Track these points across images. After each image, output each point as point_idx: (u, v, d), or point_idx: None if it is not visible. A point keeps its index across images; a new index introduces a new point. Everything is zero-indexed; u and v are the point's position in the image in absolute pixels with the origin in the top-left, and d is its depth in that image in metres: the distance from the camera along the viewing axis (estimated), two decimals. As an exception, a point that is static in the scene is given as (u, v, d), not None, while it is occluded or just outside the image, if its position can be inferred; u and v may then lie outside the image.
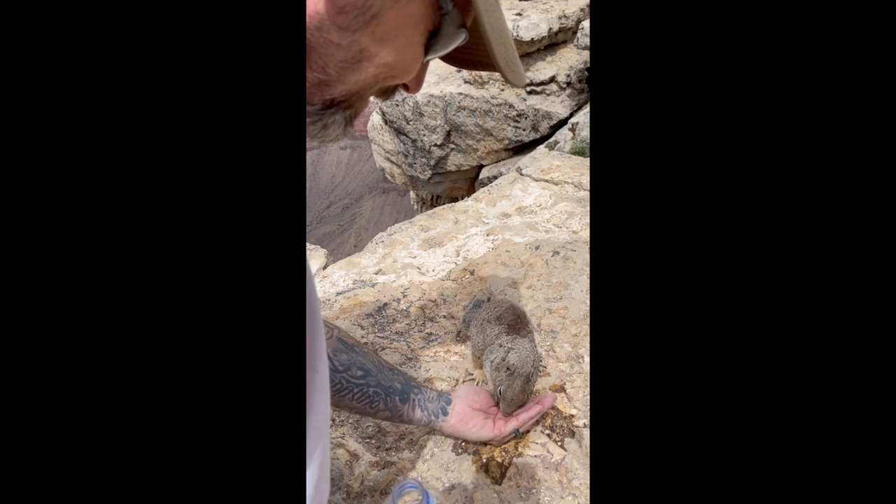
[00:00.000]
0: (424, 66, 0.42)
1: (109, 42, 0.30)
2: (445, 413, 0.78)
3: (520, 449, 0.85)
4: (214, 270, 0.32)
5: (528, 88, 5.78)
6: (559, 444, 0.86)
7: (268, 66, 0.32)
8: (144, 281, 0.31)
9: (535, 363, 0.82)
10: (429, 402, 0.78)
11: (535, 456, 0.84)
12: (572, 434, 0.88)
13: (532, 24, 5.39)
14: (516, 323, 0.87)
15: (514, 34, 5.35)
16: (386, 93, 0.43)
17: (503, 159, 6.26)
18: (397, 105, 6.58)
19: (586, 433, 0.88)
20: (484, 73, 5.87)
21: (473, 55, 0.44)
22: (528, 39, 5.40)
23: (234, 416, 0.32)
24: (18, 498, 0.28)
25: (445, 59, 0.47)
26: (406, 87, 0.43)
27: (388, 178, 8.19)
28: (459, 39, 0.39)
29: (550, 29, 5.45)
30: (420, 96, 6.27)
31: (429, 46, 0.39)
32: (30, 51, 0.29)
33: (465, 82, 6.11)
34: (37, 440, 0.29)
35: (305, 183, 0.36)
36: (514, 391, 0.77)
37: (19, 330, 0.28)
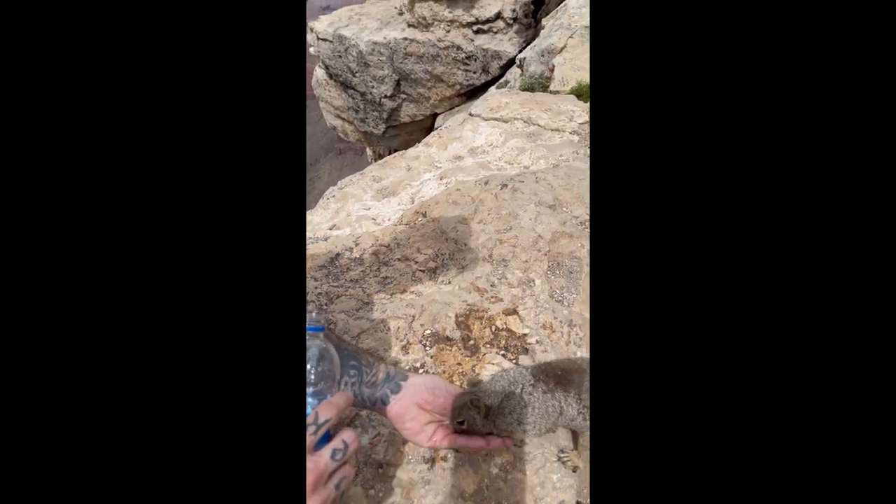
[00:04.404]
0: None
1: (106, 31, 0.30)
2: (386, 402, 0.68)
3: (476, 370, 0.88)
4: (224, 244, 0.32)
5: (475, 27, 5.57)
6: (514, 361, 0.90)
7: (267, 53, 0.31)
8: (145, 270, 0.31)
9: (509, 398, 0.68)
10: (367, 386, 0.67)
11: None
12: (525, 351, 0.92)
13: (472, -43, 5.12)
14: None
15: (454, -31, 5.07)
16: None
17: (457, 105, 6.11)
18: (340, 57, 6.24)
19: (539, 349, 0.93)
20: (427, 15, 5.60)
21: None
22: (470, -26, 5.14)
23: (231, 397, 0.32)
24: (18, 498, 0.28)
25: None
26: None
27: (342, 136, 7.90)
28: None
29: (491, -40, 5.20)
30: (363, 45, 5.95)
31: None
32: (29, 49, 0.28)
33: (409, 26, 5.83)
34: (36, 439, 0.29)
35: (305, 171, 0.36)
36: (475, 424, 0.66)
37: (20, 330, 0.28)
